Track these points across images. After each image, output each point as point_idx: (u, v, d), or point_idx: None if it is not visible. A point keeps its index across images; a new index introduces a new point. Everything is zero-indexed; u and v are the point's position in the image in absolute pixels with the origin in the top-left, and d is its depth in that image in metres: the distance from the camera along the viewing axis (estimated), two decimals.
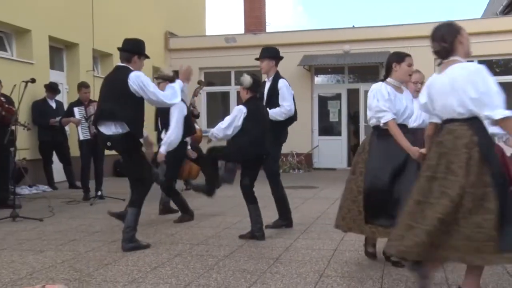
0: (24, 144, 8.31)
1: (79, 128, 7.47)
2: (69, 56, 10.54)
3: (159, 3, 13.59)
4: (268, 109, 5.02)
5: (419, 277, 2.80)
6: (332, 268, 3.75)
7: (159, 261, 3.97)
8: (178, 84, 4.67)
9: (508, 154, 4.58)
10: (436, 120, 3.02)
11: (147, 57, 4.73)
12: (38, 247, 4.51)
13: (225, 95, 14.34)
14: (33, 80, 6.13)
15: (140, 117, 4.50)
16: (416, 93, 4.70)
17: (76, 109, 7.55)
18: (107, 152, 7.50)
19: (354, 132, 13.99)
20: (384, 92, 3.61)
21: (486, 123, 2.80)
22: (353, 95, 13.43)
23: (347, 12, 41.36)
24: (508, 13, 15.01)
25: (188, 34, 14.56)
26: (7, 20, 8.62)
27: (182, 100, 5.22)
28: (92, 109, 7.11)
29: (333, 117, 13.59)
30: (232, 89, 13.86)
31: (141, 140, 4.82)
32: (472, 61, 13.29)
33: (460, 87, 2.77)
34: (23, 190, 8.24)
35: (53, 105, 8.74)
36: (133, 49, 4.56)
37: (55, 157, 8.84)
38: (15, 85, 6.49)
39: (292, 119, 5.37)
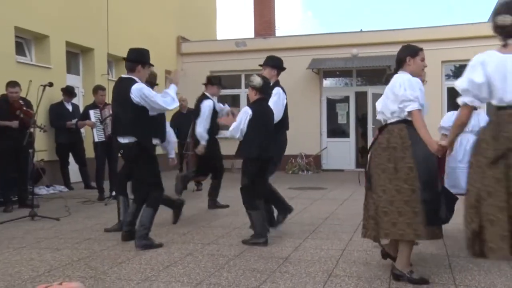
0: (42, 146, 8.39)
1: (94, 130, 7.52)
2: (85, 61, 10.63)
3: (172, 8, 13.67)
4: None
5: None
6: (340, 268, 3.73)
7: (171, 260, 3.99)
8: (173, 89, 4.64)
9: None
10: (478, 103, 2.81)
11: (151, 65, 4.75)
12: (55, 246, 4.56)
13: (235, 98, 14.36)
14: (50, 84, 6.19)
15: (146, 127, 4.52)
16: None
17: (91, 112, 7.61)
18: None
19: (362, 134, 13.94)
20: (413, 82, 3.34)
21: None
22: (361, 98, 13.38)
23: (355, 17, 41.21)
24: None
25: (200, 39, 14.60)
26: (27, 27, 8.73)
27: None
28: (107, 111, 7.15)
29: (341, 120, 13.55)
30: (242, 92, 13.87)
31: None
32: None
33: None
34: (41, 190, 8.32)
35: (70, 108, 8.82)
36: (137, 59, 4.60)
37: (71, 159, 8.91)
38: (30, 81, 6.52)
39: (281, 126, 5.15)
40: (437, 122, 5.03)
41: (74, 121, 8.35)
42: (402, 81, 3.32)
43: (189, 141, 8.51)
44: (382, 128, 3.47)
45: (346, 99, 13.50)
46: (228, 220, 5.82)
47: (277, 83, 5.25)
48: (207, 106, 6.43)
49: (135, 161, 4.58)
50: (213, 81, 6.80)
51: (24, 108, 6.66)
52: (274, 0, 16.66)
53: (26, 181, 6.87)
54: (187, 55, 14.15)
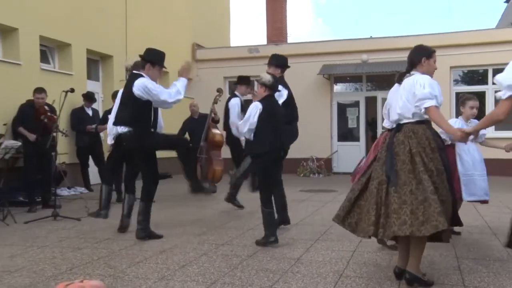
0: (64, 149, 8.50)
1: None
2: (104, 67, 10.74)
3: (187, 16, 13.75)
4: None
5: None
6: (351, 269, 3.71)
7: (186, 260, 4.00)
8: (181, 81, 4.71)
9: None
10: None
11: (162, 67, 4.80)
12: (76, 245, 4.61)
13: (248, 102, 14.37)
14: (72, 90, 6.27)
15: (145, 120, 4.64)
16: (471, 116, 4.72)
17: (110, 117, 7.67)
18: None
19: (372, 137, 13.86)
20: (433, 82, 3.30)
21: None
22: (370, 103, 13.31)
23: (364, 24, 41.10)
24: None
25: (214, 46, 14.66)
26: (51, 36, 8.86)
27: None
28: None
29: (351, 124, 13.49)
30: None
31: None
32: (487, 69, 13.03)
33: None
34: (63, 191, 8.41)
35: (90, 112, 8.91)
36: (147, 58, 4.73)
37: (91, 161, 9.00)
38: (54, 101, 6.63)
39: (291, 117, 5.27)
40: None
41: (94, 125, 8.45)
42: (422, 81, 3.27)
43: (203, 145, 8.55)
44: (399, 127, 3.33)
45: (356, 104, 13.44)
46: (242, 221, 5.82)
47: (280, 80, 5.29)
48: (234, 103, 6.49)
49: (131, 152, 4.69)
50: (241, 81, 6.86)
51: (48, 114, 6.76)
52: (286, 7, 16.70)
53: (49, 182, 6.97)
54: (202, 62, 14.21)
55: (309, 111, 12.82)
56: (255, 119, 4.48)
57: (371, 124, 13.74)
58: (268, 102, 4.61)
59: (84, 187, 8.96)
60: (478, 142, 4.78)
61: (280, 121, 4.65)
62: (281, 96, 5.15)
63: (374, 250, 4.26)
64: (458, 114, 11.84)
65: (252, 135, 4.58)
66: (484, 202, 4.82)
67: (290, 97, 5.30)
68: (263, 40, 16.99)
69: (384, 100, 13.32)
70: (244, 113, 6.20)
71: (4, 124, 6.84)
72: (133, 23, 11.00)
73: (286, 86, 5.28)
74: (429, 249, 4.19)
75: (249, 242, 4.64)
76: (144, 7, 11.60)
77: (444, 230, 3.13)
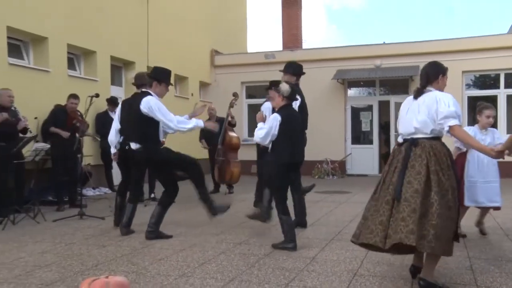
0: (89, 151, 8.63)
1: None
2: (127, 73, 10.88)
3: (206, 24, 13.85)
4: None
5: None
6: (365, 268, 3.70)
7: (205, 258, 4.03)
8: (192, 122, 4.89)
9: None
10: None
11: (168, 84, 4.90)
12: (101, 242, 4.68)
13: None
14: (97, 95, 6.37)
15: (152, 134, 4.71)
16: (487, 125, 4.61)
17: None
18: None
19: (385, 141, 13.77)
20: (455, 101, 3.23)
21: None
22: (384, 107, 13.21)
23: (377, 30, 40.72)
24: None
25: (231, 52, 14.72)
26: (78, 44, 9.03)
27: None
28: None
29: (365, 127, 13.42)
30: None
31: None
32: (499, 74, 12.80)
33: None
34: (88, 191, 8.54)
35: (114, 117, 9.00)
36: (153, 76, 4.86)
37: (114, 163, 9.10)
38: (83, 112, 6.74)
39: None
40: None
41: None
42: (446, 99, 3.18)
43: (220, 148, 8.59)
44: (415, 142, 3.22)
45: (369, 108, 13.36)
46: (258, 222, 5.81)
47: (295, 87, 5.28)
48: (266, 107, 6.42)
49: (145, 165, 4.79)
50: (270, 85, 6.85)
51: (80, 118, 6.91)
52: (301, 14, 16.69)
53: (75, 183, 7.10)
54: (220, 67, 14.29)
55: (323, 115, 12.79)
56: (276, 131, 4.44)
57: (384, 127, 13.63)
58: (286, 112, 4.57)
59: (108, 188, 9.08)
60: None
61: (297, 130, 4.65)
62: (295, 104, 5.14)
63: None
64: (469, 118, 11.79)
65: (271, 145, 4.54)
66: (496, 208, 4.70)
67: (301, 106, 5.27)
68: (279, 46, 16.99)
69: (396, 104, 13.23)
70: None
71: (35, 118, 6.98)
72: (154, 31, 11.14)
73: (300, 94, 5.27)
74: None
75: (265, 242, 4.65)
76: (165, 15, 11.73)
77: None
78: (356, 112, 13.49)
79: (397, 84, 13.18)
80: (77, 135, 6.73)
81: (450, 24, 38.25)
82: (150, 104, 4.61)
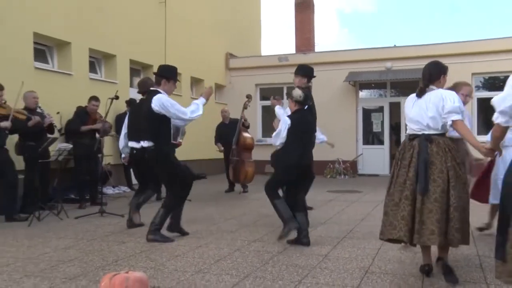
0: (109, 151, 8.73)
1: None
2: (145, 76, 10.97)
3: (221, 28, 13.90)
4: None
5: None
6: (376, 265, 3.67)
7: (221, 255, 4.04)
8: (201, 100, 4.73)
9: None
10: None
11: (176, 81, 4.84)
12: (121, 239, 4.73)
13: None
14: (117, 97, 6.42)
15: (164, 132, 4.64)
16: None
17: None
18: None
19: (395, 141, 13.66)
20: (459, 98, 3.32)
21: None
22: (394, 108, 13.11)
23: (388, 33, 40.35)
24: None
25: (246, 55, 14.75)
26: (98, 48, 9.15)
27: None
28: None
29: (376, 128, 13.34)
30: (285, 103, 13.89)
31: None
32: (508, 75, 12.68)
33: None
34: (108, 190, 8.62)
35: None
36: (161, 74, 4.77)
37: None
38: (104, 116, 6.83)
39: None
40: None
41: None
42: (451, 96, 3.27)
43: (234, 148, 8.61)
44: (430, 138, 3.27)
45: (380, 109, 13.28)
46: (272, 219, 5.82)
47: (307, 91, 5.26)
48: (277, 112, 6.43)
49: (156, 164, 4.67)
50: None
51: (102, 119, 7.01)
52: (314, 18, 16.64)
53: (96, 182, 7.19)
54: (235, 70, 14.32)
55: (335, 116, 12.73)
56: (285, 134, 4.49)
57: (395, 128, 13.54)
58: (298, 116, 4.57)
59: (127, 186, 9.17)
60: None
61: (308, 133, 4.64)
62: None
63: (398, 248, 4.19)
64: (479, 120, 11.61)
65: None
66: None
67: (310, 109, 5.25)
68: (292, 49, 16.96)
69: None
70: None
71: (58, 113, 7.07)
72: (171, 35, 11.22)
73: (311, 97, 5.25)
74: (451, 248, 4.10)
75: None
76: (181, 20, 11.80)
77: None
78: (367, 113, 13.41)
79: (408, 86, 13.04)
80: (97, 135, 6.83)
81: (459, 27, 37.73)
82: (162, 101, 4.51)
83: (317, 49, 16.42)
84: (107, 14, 9.26)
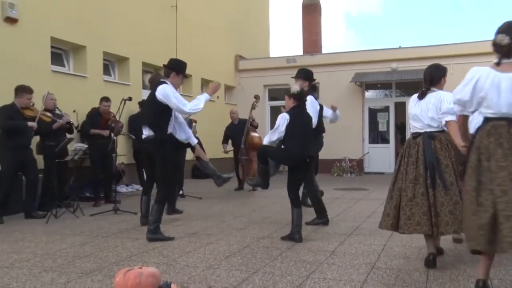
0: (122, 151, 8.80)
1: None
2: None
3: (230, 30, 13.92)
4: None
5: None
6: (382, 261, 3.66)
7: (231, 251, 4.05)
8: (203, 96, 4.68)
9: None
10: (467, 113, 2.95)
11: (184, 76, 4.81)
12: (134, 236, 4.76)
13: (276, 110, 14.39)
14: (130, 98, 6.47)
15: (163, 121, 4.59)
16: None
17: None
18: (186, 157, 7.80)
19: (400, 140, 13.59)
20: None
21: None
22: (400, 108, 13.05)
23: (393, 34, 40.06)
24: None
25: (255, 56, 14.74)
26: (112, 51, 9.23)
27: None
28: None
29: (382, 127, 13.29)
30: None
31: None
32: None
33: None
34: (122, 188, 8.68)
35: None
36: (171, 67, 4.72)
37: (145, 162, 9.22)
38: (115, 116, 6.88)
39: (317, 130, 5.39)
40: None
41: None
42: (449, 98, 3.38)
43: (243, 147, 8.63)
44: (431, 135, 3.47)
45: (386, 109, 13.22)
46: (280, 216, 5.84)
47: (309, 92, 5.26)
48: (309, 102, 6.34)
49: (155, 154, 4.63)
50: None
51: (113, 118, 7.06)
52: (321, 21, 16.60)
53: (110, 180, 7.24)
54: (244, 71, 14.33)
55: (342, 116, 12.53)
56: (283, 128, 4.42)
57: (400, 127, 13.47)
58: (296, 112, 4.51)
59: (139, 185, 9.22)
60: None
61: (306, 129, 4.55)
62: (314, 107, 5.16)
63: (404, 244, 4.18)
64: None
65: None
66: None
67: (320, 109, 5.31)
68: (300, 51, 16.94)
69: None
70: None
71: (74, 111, 7.17)
72: (182, 38, 11.26)
73: (316, 99, 5.28)
74: (456, 244, 4.08)
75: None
76: (192, 23, 11.84)
77: None
78: (373, 113, 13.35)
79: (413, 86, 12.95)
80: (112, 135, 6.89)
81: (464, 27, 37.36)
82: (166, 91, 4.47)
83: (324, 50, 16.38)
84: (120, 19, 9.33)
